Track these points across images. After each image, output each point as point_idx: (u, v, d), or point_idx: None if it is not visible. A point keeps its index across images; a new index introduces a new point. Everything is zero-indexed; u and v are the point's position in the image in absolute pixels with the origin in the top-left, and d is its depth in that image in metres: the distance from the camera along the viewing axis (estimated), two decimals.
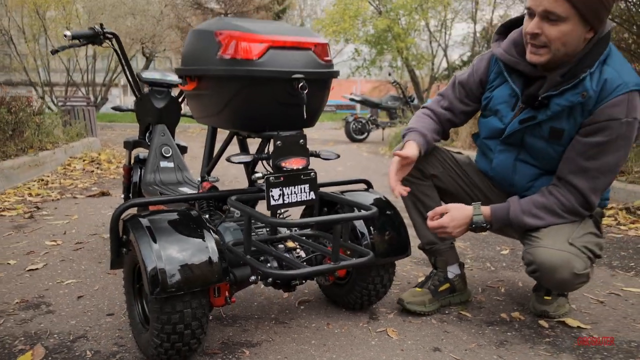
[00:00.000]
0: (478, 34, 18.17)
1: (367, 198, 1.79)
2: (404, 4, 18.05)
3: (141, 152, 2.65)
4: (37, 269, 2.23)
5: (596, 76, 1.46)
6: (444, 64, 19.91)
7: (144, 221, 1.39)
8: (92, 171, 5.14)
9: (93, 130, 7.23)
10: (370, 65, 20.09)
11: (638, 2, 4.25)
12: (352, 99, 10.59)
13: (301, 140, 1.51)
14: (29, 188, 4.03)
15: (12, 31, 24.77)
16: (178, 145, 2.50)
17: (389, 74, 10.92)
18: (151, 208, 1.92)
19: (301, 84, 1.39)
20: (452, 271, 1.88)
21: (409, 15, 18.35)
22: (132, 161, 2.65)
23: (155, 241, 1.33)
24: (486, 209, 1.64)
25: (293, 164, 1.49)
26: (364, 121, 9.66)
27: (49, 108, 11.13)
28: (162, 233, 1.36)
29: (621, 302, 1.96)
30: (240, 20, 1.47)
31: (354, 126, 9.55)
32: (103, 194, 3.93)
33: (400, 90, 10.18)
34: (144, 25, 20.47)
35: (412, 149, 1.65)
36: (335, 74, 1.55)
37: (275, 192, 1.47)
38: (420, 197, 1.83)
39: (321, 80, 1.48)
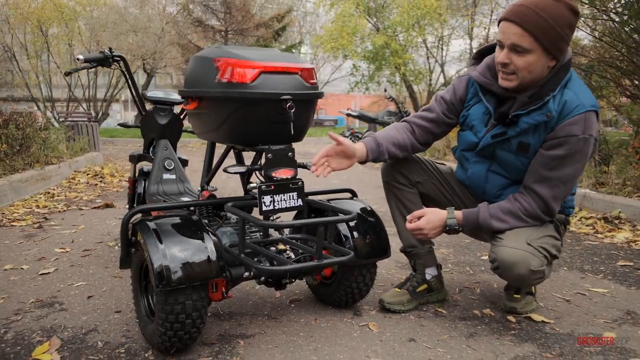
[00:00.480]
0: (475, 50, 18.53)
1: (352, 205, 1.98)
2: (401, 21, 18.39)
3: (145, 165, 2.84)
4: (48, 272, 2.41)
5: (558, 98, 1.67)
6: (442, 79, 20.23)
7: (151, 224, 1.58)
8: (96, 184, 5.33)
9: (96, 145, 7.44)
10: (369, 80, 20.41)
11: (626, 22, 4.45)
12: (349, 114, 10.82)
13: (289, 153, 1.71)
14: (36, 200, 4.22)
15: (14, 48, 25.09)
16: (179, 158, 2.69)
17: (385, 90, 11.15)
18: (154, 214, 2.11)
19: (289, 104, 1.59)
20: (430, 273, 2.06)
21: (406, 32, 18.70)
22: (137, 173, 2.84)
23: (161, 242, 1.51)
24: (459, 213, 1.83)
25: (282, 174, 1.68)
26: (360, 136, 9.88)
27: (52, 124, 11.35)
28: (167, 235, 1.54)
29: (586, 300, 2.14)
30: (236, 48, 1.68)
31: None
32: (107, 205, 4.12)
33: (397, 105, 10.43)
34: (145, 42, 20.81)
35: (354, 145, 1.79)
36: (320, 95, 1.75)
37: (267, 199, 1.66)
38: (405, 202, 2.02)
39: (307, 101, 1.69)
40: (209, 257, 1.53)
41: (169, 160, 2.61)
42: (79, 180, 5.43)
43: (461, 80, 1.91)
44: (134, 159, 2.82)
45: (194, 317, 1.52)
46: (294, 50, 20.56)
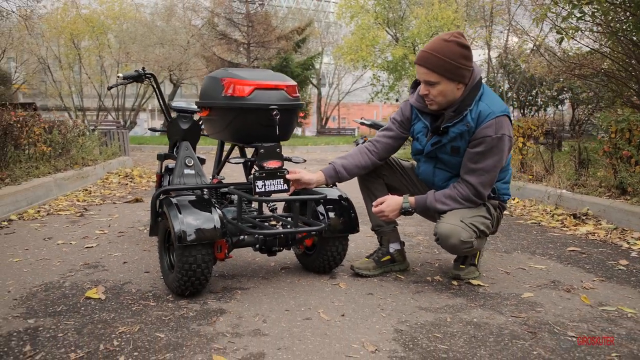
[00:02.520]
0: (494, 60, 18.78)
1: (330, 192, 2.51)
2: (419, 33, 18.83)
3: (170, 163, 3.42)
4: (92, 246, 3.01)
5: (474, 110, 2.18)
6: None
7: (173, 200, 2.14)
8: (127, 184, 5.97)
9: (126, 150, 8.13)
10: (390, 90, 20.87)
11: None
12: (362, 123, 11.32)
13: (277, 149, 2.25)
14: (76, 195, 4.86)
15: (49, 60, 26.35)
16: (198, 157, 3.26)
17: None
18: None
19: (275, 112, 2.14)
20: (393, 247, 2.58)
21: (423, 44, 19.11)
22: (163, 170, 3.42)
23: (180, 212, 2.07)
24: (412, 199, 2.34)
25: (271, 164, 2.23)
26: None
27: (89, 131, 12.16)
28: (184, 207, 2.10)
29: (523, 272, 2.62)
30: (238, 70, 2.24)
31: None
32: (137, 200, 4.73)
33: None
34: (172, 54, 21.74)
35: (311, 175, 2.29)
36: (301, 106, 2.30)
37: (259, 183, 2.21)
38: (373, 190, 2.55)
39: (290, 110, 2.23)
40: (214, 224, 2.08)
41: (189, 158, 3.16)
42: (112, 180, 6.09)
43: (406, 104, 2.43)
44: (161, 157, 3.40)
45: (202, 267, 2.07)
46: (314, 61, 21.25)
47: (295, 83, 2.31)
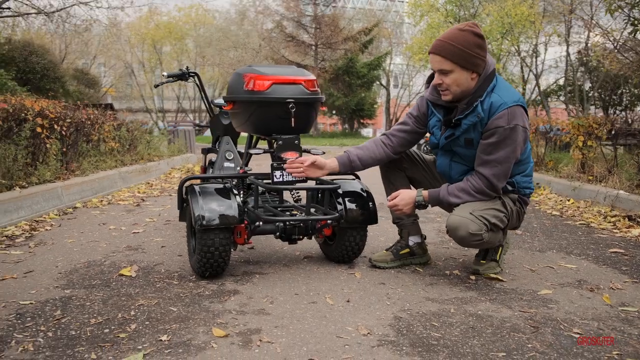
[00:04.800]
0: (573, 57, 17.80)
1: (350, 184, 2.58)
2: (491, 30, 18.22)
3: (213, 156, 3.62)
4: (138, 232, 3.26)
5: (486, 102, 2.16)
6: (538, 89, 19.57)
7: (196, 188, 2.30)
8: None
9: (191, 147, 8.58)
10: None
11: None
12: None
13: (295, 141, 2.36)
14: (138, 188, 5.24)
15: (133, 64, 28.08)
16: (238, 152, 3.44)
17: None
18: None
19: (290, 105, 2.24)
20: (413, 240, 2.60)
21: (496, 42, 18.49)
22: (207, 163, 3.63)
23: (201, 199, 2.23)
24: (425, 192, 2.36)
25: (289, 155, 2.34)
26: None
27: (159, 129, 12.91)
28: (205, 195, 2.26)
29: (549, 271, 2.55)
30: (259, 66, 2.37)
31: (424, 148, 10.18)
32: None
33: None
34: (244, 57, 22.50)
35: (325, 161, 2.34)
36: (320, 99, 2.39)
37: (277, 173, 2.32)
38: (395, 183, 2.59)
39: (307, 103, 2.33)
40: (231, 210, 2.22)
41: (229, 152, 3.35)
42: (174, 175, 6.47)
43: (422, 100, 2.44)
44: (205, 151, 3.62)
45: (220, 250, 2.22)
46: (382, 61, 21.19)
47: (314, 77, 2.41)
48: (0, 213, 3.22)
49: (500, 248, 2.50)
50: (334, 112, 21.75)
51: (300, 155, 2.37)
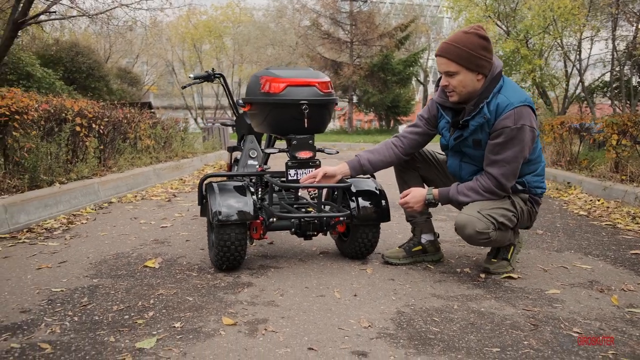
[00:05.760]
0: (619, 53, 17.13)
1: (364, 182, 2.66)
2: (532, 25, 17.75)
3: (238, 154, 3.76)
4: (166, 226, 3.44)
5: (492, 103, 2.20)
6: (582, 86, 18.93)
7: (214, 185, 2.43)
8: None
9: (225, 144, 8.81)
10: None
11: None
12: None
13: (310, 141, 2.45)
14: (171, 184, 5.46)
15: (174, 63, 28.75)
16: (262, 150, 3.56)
17: None
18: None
19: (304, 107, 2.34)
20: (426, 238, 2.65)
21: (537, 36, 17.99)
22: (232, 160, 3.77)
23: (218, 195, 2.36)
24: (435, 191, 2.41)
25: (303, 155, 2.44)
26: None
27: (198, 125, 13.25)
28: (222, 192, 2.38)
29: (562, 271, 2.56)
30: (275, 69, 2.47)
31: None
32: None
33: None
34: (281, 54, 22.71)
35: (334, 169, 2.38)
36: (333, 101, 2.47)
37: (292, 171, 2.43)
38: (408, 182, 2.65)
39: (320, 105, 2.41)
40: (247, 206, 2.34)
41: (253, 150, 3.48)
42: (207, 172, 6.68)
43: (432, 102, 2.49)
44: (230, 149, 3.76)
45: (236, 244, 2.34)
46: (418, 58, 21.02)
47: (328, 79, 2.49)
48: (41, 207, 3.46)
49: (512, 247, 2.53)
50: (370, 109, 21.74)
51: (314, 154, 2.46)
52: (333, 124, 26.01)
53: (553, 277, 2.45)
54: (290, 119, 2.40)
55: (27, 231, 3.19)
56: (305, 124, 2.38)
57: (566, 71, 19.30)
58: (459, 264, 2.65)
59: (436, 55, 2.26)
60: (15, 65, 10.40)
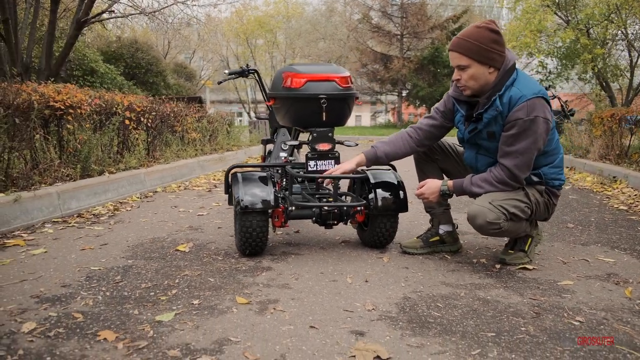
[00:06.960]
0: None
1: (384, 174, 2.74)
2: (593, 14, 16.93)
3: (271, 147, 3.92)
4: (202, 215, 3.65)
5: (505, 96, 2.22)
6: None
7: (239, 175, 2.59)
8: None
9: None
10: (556, 78, 19.15)
11: None
12: None
13: (329, 133, 2.56)
14: (214, 175, 5.72)
15: (229, 57, 29.36)
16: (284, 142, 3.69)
17: (548, 87, 10.80)
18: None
19: (322, 101, 2.45)
20: (444, 228, 2.71)
21: (599, 25, 17.13)
22: (266, 152, 3.94)
23: (242, 184, 2.51)
24: (450, 182, 2.46)
25: (323, 147, 2.55)
26: None
27: (250, 118, 13.59)
28: (246, 181, 2.54)
29: (582, 263, 2.54)
30: (298, 65, 2.60)
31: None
32: None
33: (561, 104, 10.13)
34: (332, 48, 22.78)
35: (349, 165, 2.48)
36: (352, 95, 2.57)
37: (311, 163, 2.55)
38: (427, 173, 2.71)
39: (339, 99, 2.52)
40: (267, 195, 2.48)
41: (284, 143, 3.63)
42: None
43: (448, 96, 2.53)
44: (264, 142, 3.92)
45: (257, 231, 2.49)
46: None
47: (348, 74, 2.59)
48: (91, 195, 3.76)
49: (530, 239, 2.54)
50: (419, 102, 21.48)
51: (334, 147, 2.57)
52: (383, 118, 25.85)
53: (570, 269, 2.45)
54: (310, 113, 2.52)
55: (77, 216, 3.48)
56: (324, 117, 2.49)
57: (631, 61, 18.28)
58: (477, 255, 2.68)
59: (449, 50, 2.31)
60: (80, 61, 11.09)
